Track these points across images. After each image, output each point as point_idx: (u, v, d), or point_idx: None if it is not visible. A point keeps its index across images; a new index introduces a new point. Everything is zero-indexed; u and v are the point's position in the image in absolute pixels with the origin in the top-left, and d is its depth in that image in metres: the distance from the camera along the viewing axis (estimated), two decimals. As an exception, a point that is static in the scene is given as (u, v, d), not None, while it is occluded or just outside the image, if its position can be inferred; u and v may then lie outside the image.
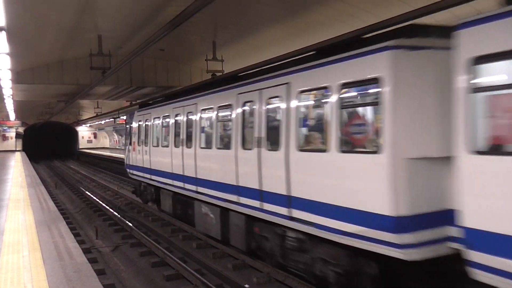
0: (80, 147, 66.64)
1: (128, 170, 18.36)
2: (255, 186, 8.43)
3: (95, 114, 43.37)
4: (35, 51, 17.92)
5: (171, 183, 13.02)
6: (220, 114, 10.18)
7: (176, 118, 12.67)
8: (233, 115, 9.42)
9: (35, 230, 8.65)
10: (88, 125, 66.00)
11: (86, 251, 9.56)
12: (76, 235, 11.83)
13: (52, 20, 14.09)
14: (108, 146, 70.94)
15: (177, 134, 12.54)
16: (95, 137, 71.94)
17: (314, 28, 13.17)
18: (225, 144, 9.88)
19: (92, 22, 14.72)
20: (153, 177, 14.72)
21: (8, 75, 17.81)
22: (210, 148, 10.48)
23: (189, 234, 12.65)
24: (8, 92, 23.75)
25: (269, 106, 8.29)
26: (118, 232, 13.69)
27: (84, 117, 54.53)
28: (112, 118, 42.95)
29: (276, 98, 8.01)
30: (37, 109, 44.39)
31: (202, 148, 10.95)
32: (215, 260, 10.23)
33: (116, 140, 67.66)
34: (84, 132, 69.82)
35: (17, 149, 57.43)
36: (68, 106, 35.06)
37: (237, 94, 9.25)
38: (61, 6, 12.78)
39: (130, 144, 17.76)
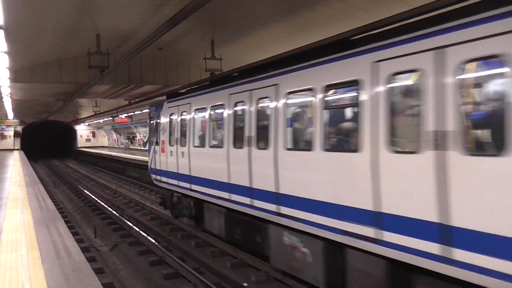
0: (79, 146, 66.68)
1: (153, 176, 14.86)
2: (431, 217, 5.03)
3: (93, 113, 43.33)
4: (33, 50, 17.86)
5: (226, 197, 9.70)
6: (329, 98, 6.82)
7: (236, 108, 9.38)
8: (362, 97, 5.95)
9: (34, 229, 8.64)
10: (86, 123, 66.02)
11: (84, 250, 9.55)
12: (74, 234, 11.84)
13: (51, 19, 14.04)
14: (106, 145, 70.98)
15: (238, 130, 9.25)
16: (93, 136, 71.90)
17: (313, 27, 13.17)
18: (344, 144, 6.67)
19: (91, 20, 14.69)
20: (194, 187, 11.49)
21: (6, 73, 17.77)
22: (308, 149, 7.08)
23: (188, 233, 12.65)
24: (6, 90, 23.74)
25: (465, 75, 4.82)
26: (116, 231, 13.70)
27: (83, 116, 54.50)
28: (111, 117, 42.92)
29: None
30: (35, 107, 44.28)
31: (289, 149, 7.64)
32: (214, 259, 10.24)
33: (115, 139, 67.76)
34: (82, 131, 69.82)
35: (16, 148, 57.45)
36: (66, 105, 35.00)
37: (372, 63, 5.84)
38: (60, 4, 12.74)
39: (157, 143, 14.19)
